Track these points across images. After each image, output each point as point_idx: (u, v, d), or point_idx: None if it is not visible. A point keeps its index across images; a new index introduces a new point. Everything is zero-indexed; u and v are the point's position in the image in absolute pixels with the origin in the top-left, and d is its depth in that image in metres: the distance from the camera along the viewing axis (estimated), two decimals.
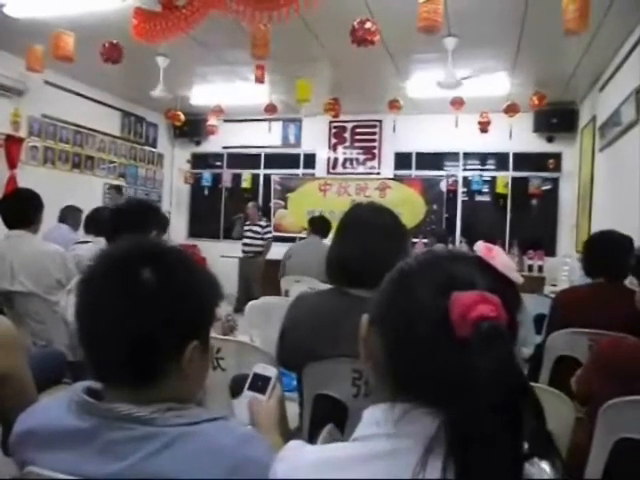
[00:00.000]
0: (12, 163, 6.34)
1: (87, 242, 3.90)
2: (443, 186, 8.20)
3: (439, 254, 0.78)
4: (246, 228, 7.30)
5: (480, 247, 0.74)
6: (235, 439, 0.81)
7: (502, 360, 0.60)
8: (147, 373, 0.82)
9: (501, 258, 0.72)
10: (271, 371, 1.19)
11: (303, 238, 6.18)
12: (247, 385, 1.18)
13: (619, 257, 2.35)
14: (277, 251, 4.98)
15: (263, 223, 7.33)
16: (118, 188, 7.74)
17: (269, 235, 7.27)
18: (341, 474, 0.66)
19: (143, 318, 0.80)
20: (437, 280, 0.70)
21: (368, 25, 4.07)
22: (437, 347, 0.65)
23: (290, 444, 0.80)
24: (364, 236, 1.52)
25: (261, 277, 6.74)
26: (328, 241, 4.50)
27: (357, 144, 8.71)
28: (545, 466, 0.64)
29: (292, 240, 7.33)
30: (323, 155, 8.85)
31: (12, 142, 6.35)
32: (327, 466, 0.68)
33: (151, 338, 0.80)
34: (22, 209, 2.97)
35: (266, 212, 8.72)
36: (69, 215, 5.25)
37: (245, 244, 7.22)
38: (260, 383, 1.17)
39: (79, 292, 0.86)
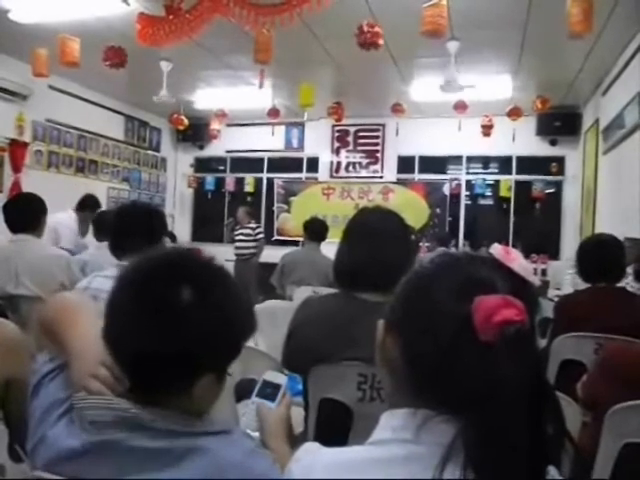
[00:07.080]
0: (16, 167, 6.37)
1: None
2: (446, 190, 8.21)
3: (457, 257, 0.75)
4: (236, 232, 7.32)
5: (498, 250, 0.71)
6: (240, 454, 0.80)
7: (527, 364, 0.60)
8: (152, 392, 0.80)
9: (519, 261, 0.70)
10: (281, 379, 1.17)
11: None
12: (256, 391, 1.16)
13: (619, 260, 2.40)
14: (278, 254, 4.96)
15: (253, 225, 7.30)
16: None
17: (261, 235, 7.22)
18: (357, 476, 0.66)
19: (178, 342, 0.78)
20: (457, 284, 0.68)
21: (376, 29, 4.08)
22: (459, 353, 0.63)
23: (305, 446, 0.79)
24: (372, 241, 1.51)
25: (256, 280, 6.72)
26: (325, 245, 4.51)
27: (360, 148, 8.71)
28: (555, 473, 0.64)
29: (295, 244, 7.32)
30: (326, 159, 8.85)
31: (17, 146, 6.38)
32: (343, 468, 0.68)
33: (169, 364, 0.78)
34: (26, 213, 2.98)
35: (269, 216, 8.74)
36: None
37: (237, 247, 7.21)
38: (269, 390, 1.15)
39: (110, 311, 0.83)
